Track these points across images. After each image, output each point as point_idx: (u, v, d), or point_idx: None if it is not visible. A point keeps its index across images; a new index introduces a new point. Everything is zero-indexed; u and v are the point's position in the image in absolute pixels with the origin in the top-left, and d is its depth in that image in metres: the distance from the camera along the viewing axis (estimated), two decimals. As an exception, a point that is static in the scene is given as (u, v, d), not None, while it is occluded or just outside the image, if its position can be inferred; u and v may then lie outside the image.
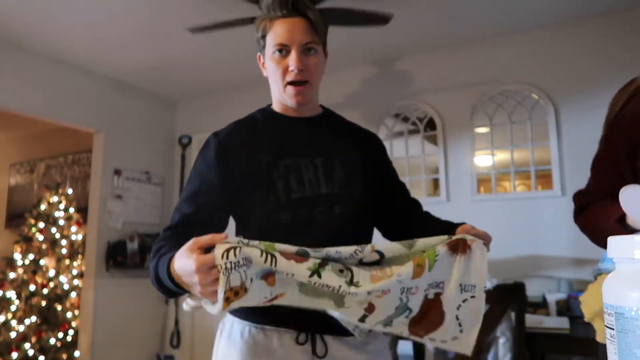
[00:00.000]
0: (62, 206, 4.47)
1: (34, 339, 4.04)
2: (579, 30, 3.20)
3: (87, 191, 4.40)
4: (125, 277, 4.08)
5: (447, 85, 3.58)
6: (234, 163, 1.13)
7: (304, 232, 1.08)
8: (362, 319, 0.94)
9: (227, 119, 1.26)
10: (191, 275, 0.83)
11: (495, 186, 3.38)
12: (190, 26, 2.78)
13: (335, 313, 0.93)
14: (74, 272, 4.29)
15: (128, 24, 3.27)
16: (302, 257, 0.88)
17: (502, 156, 3.47)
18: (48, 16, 3.15)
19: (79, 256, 4.35)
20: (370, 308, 0.93)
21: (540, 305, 2.50)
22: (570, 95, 3.18)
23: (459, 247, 0.96)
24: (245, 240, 0.84)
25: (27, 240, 4.34)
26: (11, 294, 4.19)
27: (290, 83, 1.12)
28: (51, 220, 4.39)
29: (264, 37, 1.14)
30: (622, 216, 1.02)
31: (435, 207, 1.19)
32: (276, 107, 1.22)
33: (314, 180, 1.12)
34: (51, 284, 4.20)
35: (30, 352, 3.99)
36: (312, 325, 1.06)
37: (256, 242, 0.85)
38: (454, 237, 0.97)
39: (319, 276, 0.87)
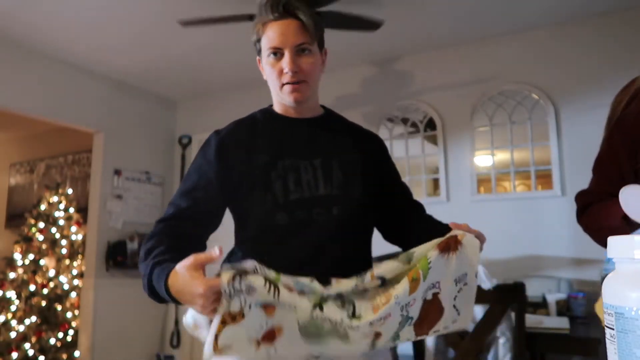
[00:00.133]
0: (62, 206, 4.47)
1: (34, 339, 4.04)
2: (579, 30, 3.20)
3: (87, 191, 4.40)
4: (125, 277, 4.08)
5: (447, 85, 3.58)
6: (234, 162, 1.14)
7: (301, 233, 1.09)
8: (373, 346, 0.94)
9: (227, 119, 1.26)
10: (194, 297, 0.85)
11: (495, 186, 3.38)
12: (183, 19, 2.75)
13: (343, 348, 0.92)
14: (74, 272, 4.29)
15: (128, 24, 3.27)
16: (302, 293, 0.88)
17: (502, 156, 3.47)
18: (48, 16, 3.15)
19: (79, 256, 4.35)
20: (377, 336, 0.93)
21: (540, 305, 2.50)
22: (570, 95, 3.18)
23: (450, 247, 0.96)
24: (253, 265, 0.84)
25: (27, 240, 4.34)
26: (11, 294, 4.18)
27: (287, 84, 1.13)
28: (51, 220, 4.39)
29: (258, 40, 1.15)
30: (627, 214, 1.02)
31: (435, 207, 1.19)
32: (276, 108, 1.22)
33: (312, 181, 1.12)
34: (51, 284, 4.20)
35: (30, 352, 3.99)
36: None
37: (264, 269, 0.85)
38: (445, 237, 0.97)
39: (321, 309, 0.87)
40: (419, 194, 3.59)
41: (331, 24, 2.65)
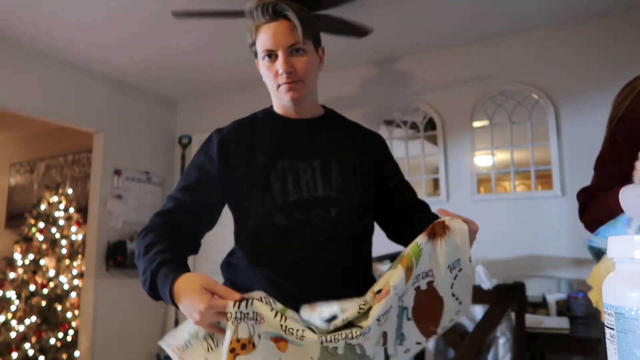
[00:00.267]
0: (62, 206, 4.47)
1: (34, 339, 4.04)
2: (579, 30, 3.20)
3: (87, 191, 4.40)
4: (125, 277, 4.08)
5: (447, 85, 3.58)
6: (235, 161, 1.14)
7: (299, 234, 1.09)
8: (386, 355, 0.94)
9: (227, 119, 1.26)
10: (195, 312, 0.86)
11: (495, 186, 3.38)
12: (176, 10, 2.70)
13: None
14: (74, 272, 4.29)
15: (128, 24, 3.27)
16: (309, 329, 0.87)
17: (502, 156, 3.47)
18: (48, 16, 3.15)
19: (79, 256, 4.35)
20: (384, 337, 0.93)
21: (540, 305, 2.50)
22: (570, 95, 3.18)
23: (437, 232, 0.97)
24: (260, 296, 0.85)
25: (27, 240, 4.34)
26: (11, 294, 4.18)
27: (283, 84, 1.13)
28: (51, 220, 4.39)
29: (253, 43, 1.16)
30: None
31: (435, 207, 1.19)
32: (276, 109, 1.22)
33: (311, 183, 1.12)
34: (51, 284, 4.20)
35: (30, 352, 3.99)
36: None
37: (271, 300, 0.85)
38: (431, 225, 0.98)
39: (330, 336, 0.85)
40: (419, 194, 3.57)
41: (321, 29, 2.64)
